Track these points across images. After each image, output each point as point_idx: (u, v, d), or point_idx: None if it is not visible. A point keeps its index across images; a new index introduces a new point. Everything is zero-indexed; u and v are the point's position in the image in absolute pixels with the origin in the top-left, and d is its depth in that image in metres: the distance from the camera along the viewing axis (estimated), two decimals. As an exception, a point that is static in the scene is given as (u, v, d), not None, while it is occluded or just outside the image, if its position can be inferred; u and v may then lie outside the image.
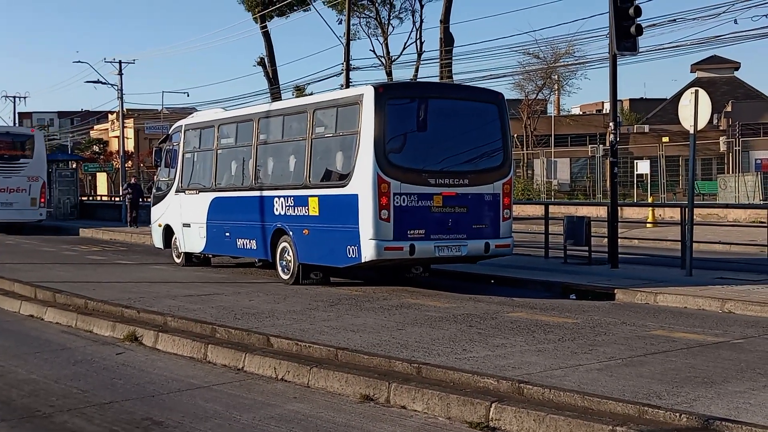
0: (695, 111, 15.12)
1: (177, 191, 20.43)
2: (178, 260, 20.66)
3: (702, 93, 15.23)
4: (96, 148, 79.11)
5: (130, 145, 69.34)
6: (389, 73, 51.42)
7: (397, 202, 14.32)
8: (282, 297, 14.54)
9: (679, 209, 18.20)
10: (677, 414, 6.71)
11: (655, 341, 10.32)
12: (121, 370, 9.82)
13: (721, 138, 53.01)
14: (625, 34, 16.38)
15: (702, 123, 15.18)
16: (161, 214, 21.28)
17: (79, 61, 53.85)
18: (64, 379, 9.39)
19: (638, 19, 16.42)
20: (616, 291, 14.23)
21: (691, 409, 7.05)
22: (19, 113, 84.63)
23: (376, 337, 10.61)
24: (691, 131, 15.27)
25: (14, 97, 73.94)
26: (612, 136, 17.22)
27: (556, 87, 61.87)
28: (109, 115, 77.63)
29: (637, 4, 16.32)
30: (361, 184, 14.41)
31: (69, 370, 9.88)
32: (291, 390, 8.71)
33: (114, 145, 71.86)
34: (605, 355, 9.44)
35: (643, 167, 44.54)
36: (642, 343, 10.17)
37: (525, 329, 11.18)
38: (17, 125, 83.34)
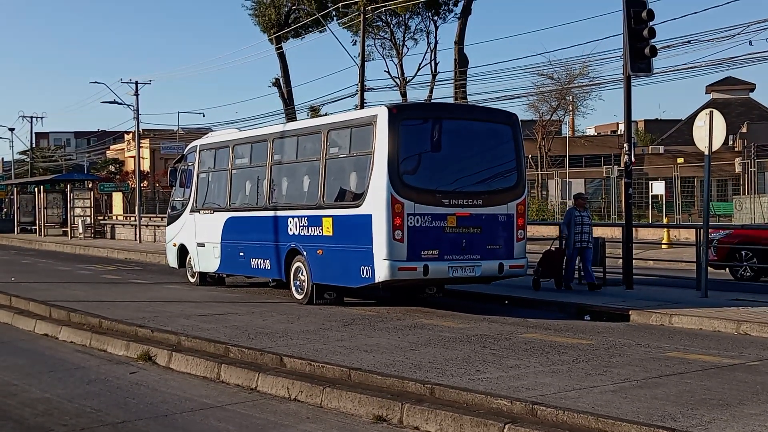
0: (710, 132, 15.08)
1: (191, 211, 20.50)
2: (192, 280, 20.70)
3: (717, 114, 15.20)
4: (112, 168, 79.47)
5: (145, 165, 69.67)
6: (404, 94, 51.56)
7: (411, 223, 14.32)
8: (296, 317, 14.54)
9: (694, 230, 18.10)
10: (692, 436, 6.66)
11: (670, 363, 10.26)
12: (134, 389, 9.83)
13: (736, 159, 52.82)
14: (640, 55, 16.37)
15: (717, 144, 15.14)
16: (176, 233, 21.35)
17: (95, 82, 54.54)
18: (77, 398, 9.41)
19: (652, 40, 16.41)
20: (630, 312, 14.15)
21: (707, 431, 7.00)
22: (35, 133, 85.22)
23: (389, 357, 10.59)
24: (706, 152, 15.22)
25: (31, 117, 74.45)
26: (626, 157, 17.17)
27: (571, 108, 61.86)
28: (125, 136, 78.06)
29: (651, 26, 16.32)
30: (375, 204, 14.42)
31: (82, 389, 9.90)
32: (304, 410, 8.70)
33: (130, 165, 72.21)
34: (620, 377, 9.38)
35: (658, 188, 44.37)
36: (657, 365, 10.11)
37: (539, 350, 11.13)
38: (34, 145, 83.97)
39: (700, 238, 16.37)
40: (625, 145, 17.45)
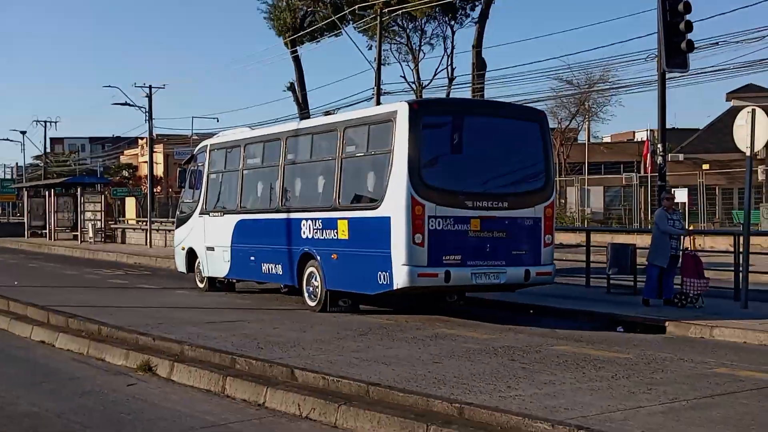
0: (752, 131, 14.12)
1: (201, 213, 19.65)
2: (201, 285, 19.85)
3: (759, 112, 14.22)
4: (125, 173, 78.98)
5: (159, 170, 69.07)
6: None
7: (432, 226, 13.41)
8: (308, 325, 13.65)
9: (725, 238, 17.13)
10: (769, 470, 5.74)
11: (720, 380, 9.32)
12: (130, 403, 8.97)
13: (759, 167, 51.68)
14: (676, 50, 15.50)
15: (759, 144, 14.17)
16: (185, 237, 20.51)
17: (109, 86, 54.08)
18: (68, 412, 8.56)
19: (689, 35, 15.51)
20: (667, 323, 13.21)
21: (778, 462, 6.08)
22: (51, 138, 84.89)
23: (410, 370, 9.69)
24: (748, 153, 14.26)
25: (45, 122, 73.95)
26: (660, 158, 16.29)
27: (588, 114, 60.93)
28: (139, 140, 77.55)
29: (687, 19, 15.43)
30: (394, 206, 13.52)
31: (75, 402, 9.05)
32: (317, 430, 7.81)
33: (143, 170, 71.59)
34: (667, 396, 8.45)
35: (680, 196, 43.37)
36: (706, 383, 9.18)
37: (573, 364, 10.21)
38: (48, 150, 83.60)
39: (738, 245, 15.40)
40: (659, 145, 16.58)
